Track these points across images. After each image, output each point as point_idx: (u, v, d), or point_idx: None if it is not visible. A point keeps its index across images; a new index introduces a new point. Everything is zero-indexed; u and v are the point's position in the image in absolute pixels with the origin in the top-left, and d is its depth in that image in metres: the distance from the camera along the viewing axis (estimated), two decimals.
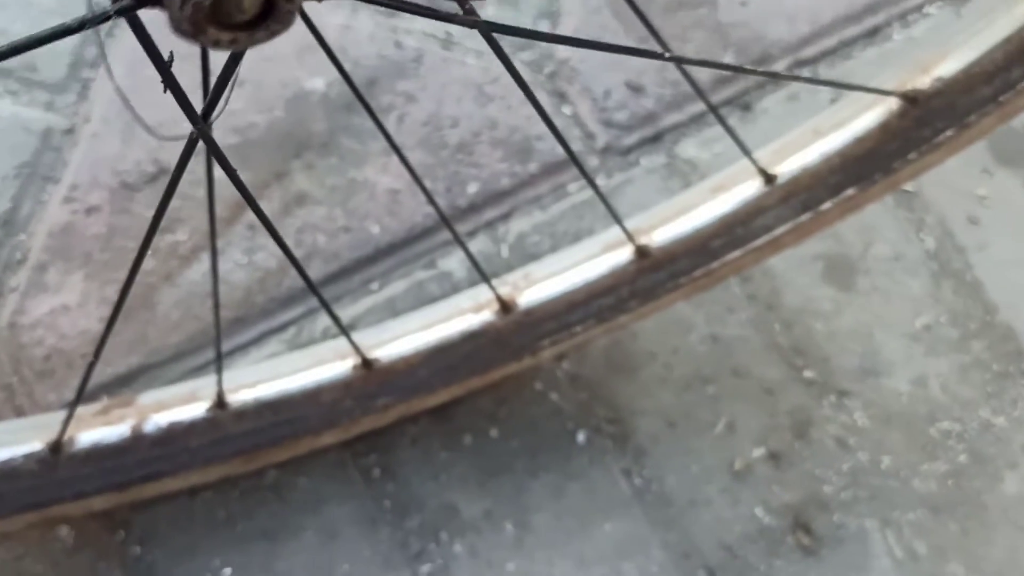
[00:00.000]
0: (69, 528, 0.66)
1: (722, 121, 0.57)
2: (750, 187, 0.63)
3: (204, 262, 0.72)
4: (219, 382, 0.61)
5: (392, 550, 0.69)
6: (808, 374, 0.77)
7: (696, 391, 0.76)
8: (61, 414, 0.59)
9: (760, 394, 0.76)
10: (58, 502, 0.59)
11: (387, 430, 0.71)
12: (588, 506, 0.72)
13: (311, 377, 0.64)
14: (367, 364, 0.64)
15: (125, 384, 0.69)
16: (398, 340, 0.65)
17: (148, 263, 0.72)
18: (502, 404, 0.73)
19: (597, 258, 0.66)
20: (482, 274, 0.62)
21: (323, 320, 0.73)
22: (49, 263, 0.70)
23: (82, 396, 0.53)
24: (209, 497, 0.68)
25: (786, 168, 0.62)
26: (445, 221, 0.56)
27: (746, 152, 0.60)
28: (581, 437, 0.73)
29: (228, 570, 0.67)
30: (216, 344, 0.57)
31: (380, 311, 0.74)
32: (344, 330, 0.57)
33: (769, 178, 0.62)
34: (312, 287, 0.50)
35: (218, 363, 0.59)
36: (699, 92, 0.56)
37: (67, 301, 0.70)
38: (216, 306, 0.55)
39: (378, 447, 0.71)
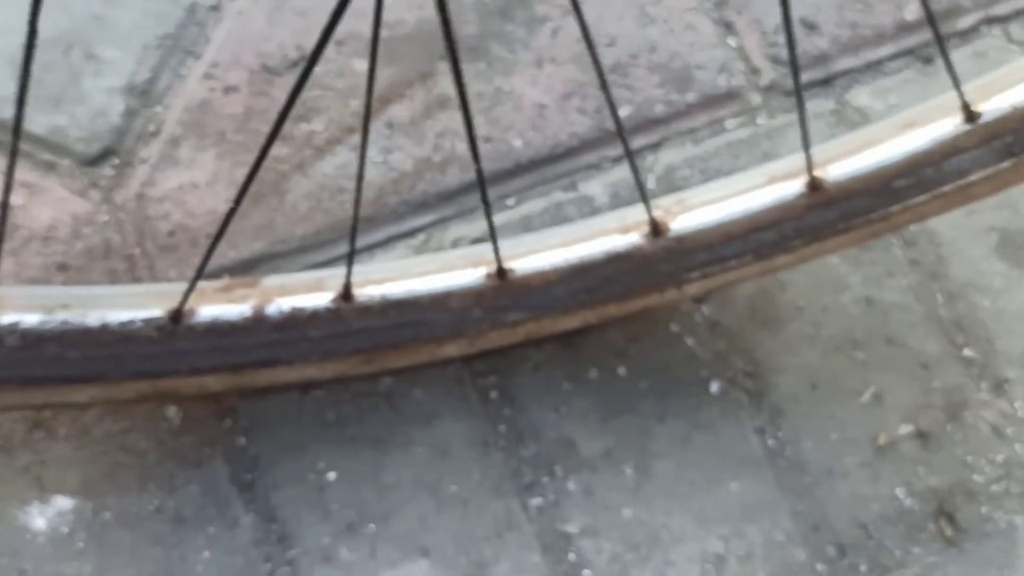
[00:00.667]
0: (177, 409, 0.64)
1: (942, 47, 0.51)
2: (947, 124, 0.57)
3: (338, 155, 0.69)
4: (348, 273, 0.57)
5: (503, 477, 0.64)
6: (968, 353, 0.70)
7: (844, 355, 0.69)
8: (183, 285, 0.56)
9: (914, 367, 0.70)
10: (172, 374, 0.56)
11: (509, 353, 0.66)
12: (715, 461, 0.66)
13: (441, 281, 0.60)
14: (501, 274, 0.60)
15: (247, 270, 0.66)
16: (536, 254, 0.61)
17: (281, 150, 0.69)
18: (633, 342, 0.68)
19: (761, 189, 0.60)
20: (641, 190, 0.57)
21: (454, 230, 0.69)
22: (182, 138, 0.68)
23: (208, 261, 0.50)
24: (320, 396, 0.65)
25: (993, 106, 0.56)
26: (620, 131, 0.51)
27: (955, 82, 0.54)
28: (715, 387, 0.68)
29: (333, 474, 0.63)
30: (352, 231, 0.53)
31: (514, 228, 0.69)
32: (493, 232, 0.53)
33: (972, 115, 0.56)
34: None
35: (351, 252, 0.56)
36: (931, 19, 0.50)
37: (196, 178, 0.67)
38: (359, 186, 0.51)
39: (499, 369, 0.66)
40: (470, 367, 0.66)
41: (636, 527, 0.65)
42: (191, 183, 0.67)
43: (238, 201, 0.41)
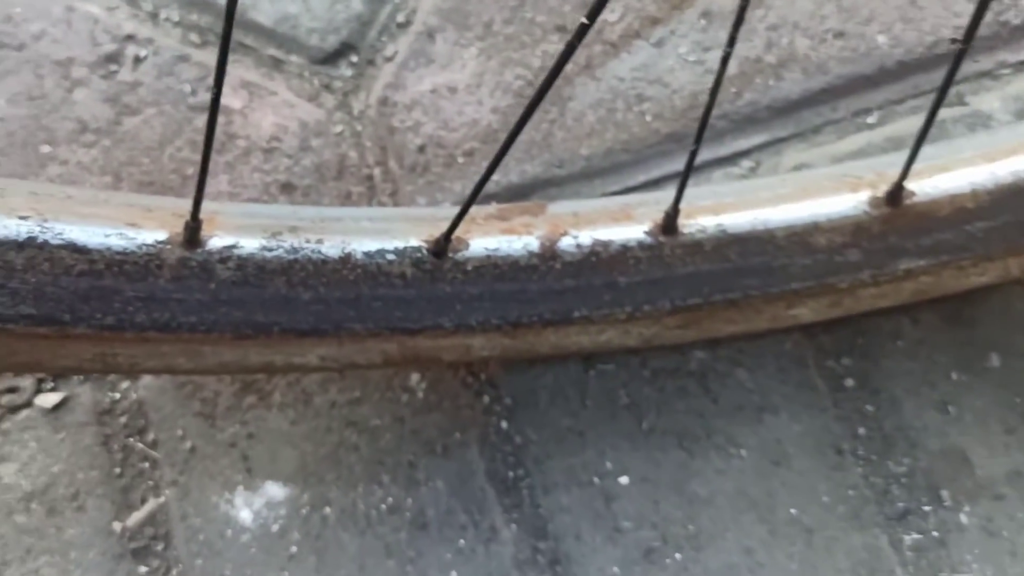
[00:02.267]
0: (421, 377, 0.48)
1: None
2: None
3: (637, 54, 0.52)
4: (679, 194, 0.40)
5: (863, 501, 0.45)
6: None
7: None
8: (448, 209, 0.40)
9: None
10: (431, 330, 0.41)
11: (870, 325, 0.48)
12: None
13: (802, 211, 0.42)
14: (894, 199, 0.41)
15: (516, 199, 0.50)
16: (945, 173, 0.42)
17: (561, 46, 0.52)
18: None
19: None
20: None
21: (791, 154, 0.50)
22: (438, 30, 0.53)
23: (494, 170, 0.34)
24: (609, 372, 0.48)
25: None
26: None
27: None
28: None
29: (625, 479, 0.46)
30: (699, 129, 0.36)
31: (875, 153, 0.50)
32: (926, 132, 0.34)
33: None
34: None
35: (688, 164, 0.38)
36: None
37: (455, 80, 0.52)
38: (722, 70, 0.34)
39: (856, 347, 0.48)
40: (815, 342, 0.48)
41: None
42: (448, 86, 0.52)
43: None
